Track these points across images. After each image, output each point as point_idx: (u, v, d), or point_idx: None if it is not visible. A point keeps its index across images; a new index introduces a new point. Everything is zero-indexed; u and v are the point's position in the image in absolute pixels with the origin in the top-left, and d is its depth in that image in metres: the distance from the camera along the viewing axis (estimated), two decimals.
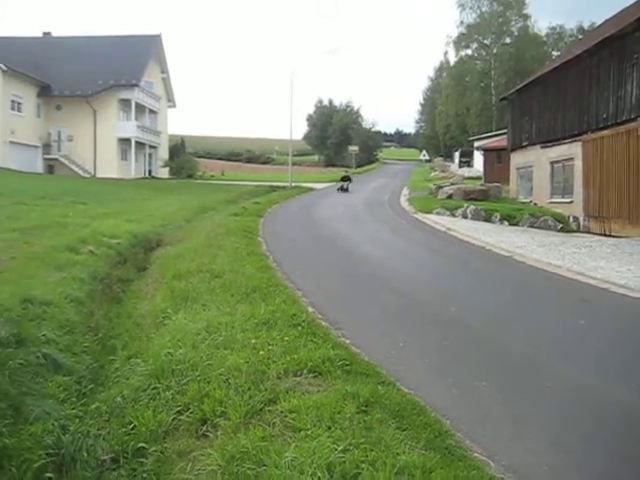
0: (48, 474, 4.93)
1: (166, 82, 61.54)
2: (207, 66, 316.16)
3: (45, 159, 49.47)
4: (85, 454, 5.28)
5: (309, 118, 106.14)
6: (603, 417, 5.79)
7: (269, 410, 5.41)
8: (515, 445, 5.10)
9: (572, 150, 25.89)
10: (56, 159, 49.55)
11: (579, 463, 4.86)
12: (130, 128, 51.12)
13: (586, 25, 68.50)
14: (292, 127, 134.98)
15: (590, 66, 24.27)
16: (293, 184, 46.01)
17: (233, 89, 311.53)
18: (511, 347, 8.03)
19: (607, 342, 8.43)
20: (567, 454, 4.99)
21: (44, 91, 48.92)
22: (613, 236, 21.46)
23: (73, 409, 6.00)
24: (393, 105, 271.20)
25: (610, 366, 7.28)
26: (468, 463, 4.53)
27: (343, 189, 40.50)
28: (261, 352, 6.75)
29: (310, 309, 9.56)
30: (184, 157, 60.51)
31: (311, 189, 43.90)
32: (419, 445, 4.69)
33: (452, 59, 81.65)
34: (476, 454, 4.78)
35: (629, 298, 11.22)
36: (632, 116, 21.06)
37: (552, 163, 28.43)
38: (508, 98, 36.10)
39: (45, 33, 58.31)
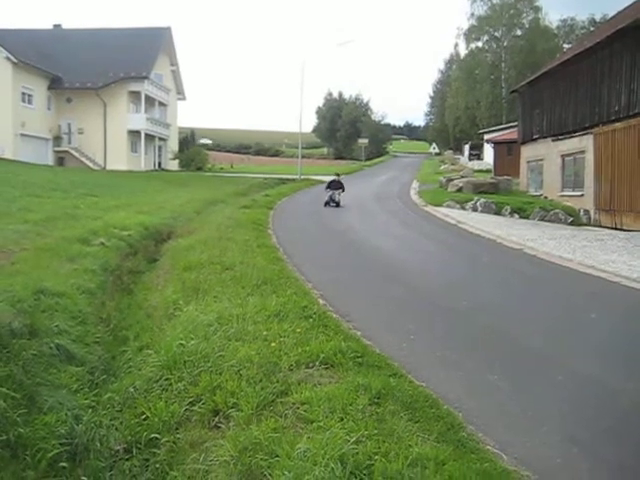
0: (62, 463, 4.97)
1: (176, 74, 61.46)
2: (217, 59, 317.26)
3: (55, 151, 49.51)
4: (98, 444, 5.32)
5: (318, 111, 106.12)
6: (616, 410, 5.77)
7: (281, 402, 5.41)
8: (527, 438, 5.09)
9: (583, 143, 25.77)
10: (66, 151, 49.59)
11: (591, 456, 4.85)
12: (140, 120, 51.10)
13: (598, 17, 68.03)
14: (302, 119, 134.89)
15: (602, 58, 24.12)
16: (302, 177, 45.96)
17: (243, 81, 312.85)
18: (522, 340, 8.01)
19: (619, 336, 8.40)
20: (579, 447, 4.98)
21: (54, 83, 48.96)
22: (624, 230, 21.36)
23: (86, 399, 6.05)
24: (403, 98, 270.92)
25: (622, 360, 7.26)
26: (481, 455, 4.53)
27: (332, 202, 26.37)
28: (272, 344, 6.76)
29: (321, 301, 9.57)
30: (194, 149, 60.48)
31: (320, 182, 43.73)
32: (431, 437, 4.69)
33: (462, 51, 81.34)
34: (488, 446, 4.78)
35: (636, 291, 11.19)
36: None
37: (563, 156, 28.30)
38: (519, 91, 35.96)
39: (55, 25, 58.24)
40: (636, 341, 8.11)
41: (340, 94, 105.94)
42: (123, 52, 49.88)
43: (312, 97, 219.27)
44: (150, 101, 53.48)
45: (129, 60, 49.50)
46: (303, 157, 55.97)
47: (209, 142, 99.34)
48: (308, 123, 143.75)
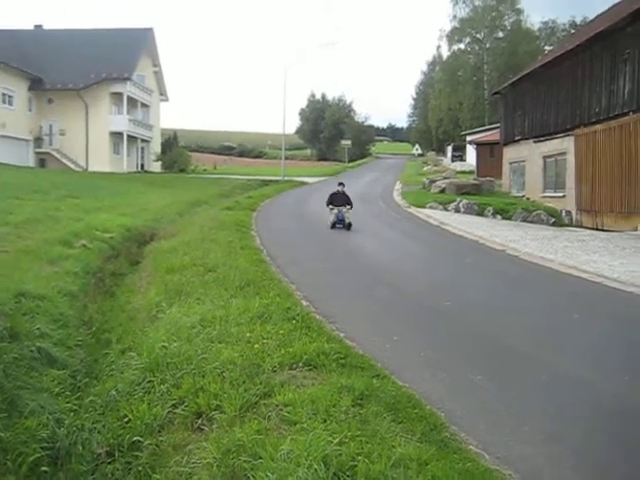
0: (43, 468, 4.93)
1: (158, 76, 61.19)
2: (200, 60, 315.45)
3: (37, 153, 49.11)
4: (80, 448, 5.29)
5: (302, 112, 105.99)
6: (598, 409, 5.81)
7: (264, 403, 5.41)
8: (510, 437, 5.12)
9: (564, 145, 25.96)
10: (48, 153, 49.20)
11: (575, 455, 4.89)
12: (122, 122, 50.80)
13: (579, 20, 68.52)
14: (285, 121, 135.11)
15: (583, 61, 24.33)
16: (285, 178, 45.96)
17: (226, 83, 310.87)
18: (505, 340, 8.05)
19: (601, 336, 8.46)
20: (562, 446, 5.02)
21: (35, 84, 48.57)
22: (605, 230, 21.54)
23: (68, 403, 6.01)
24: (386, 99, 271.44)
25: (604, 359, 7.31)
26: (463, 455, 4.56)
27: (340, 223, 19.88)
28: (256, 346, 6.75)
29: (304, 302, 9.58)
30: (176, 151, 60.20)
31: (303, 183, 43.81)
32: (414, 438, 4.71)
33: (445, 53, 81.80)
34: (471, 446, 4.81)
35: (621, 292, 11.27)
36: (624, 111, 21.13)
37: (545, 157, 28.50)
38: (501, 92, 36.17)
39: (36, 26, 57.78)
40: (618, 341, 8.16)
41: (323, 96, 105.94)
42: (105, 53, 49.55)
43: (295, 98, 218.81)
44: (132, 102, 53.19)
45: (111, 61, 49.18)
46: (286, 158, 55.96)
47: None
48: (291, 124, 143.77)
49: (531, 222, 24.52)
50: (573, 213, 25.02)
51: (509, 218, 25.07)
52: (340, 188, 20.82)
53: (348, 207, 20.07)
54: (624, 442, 5.13)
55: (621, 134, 21.18)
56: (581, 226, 23.73)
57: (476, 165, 47.35)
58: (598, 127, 22.91)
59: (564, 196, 26.02)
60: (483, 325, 8.90)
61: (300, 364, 6.30)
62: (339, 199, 20.34)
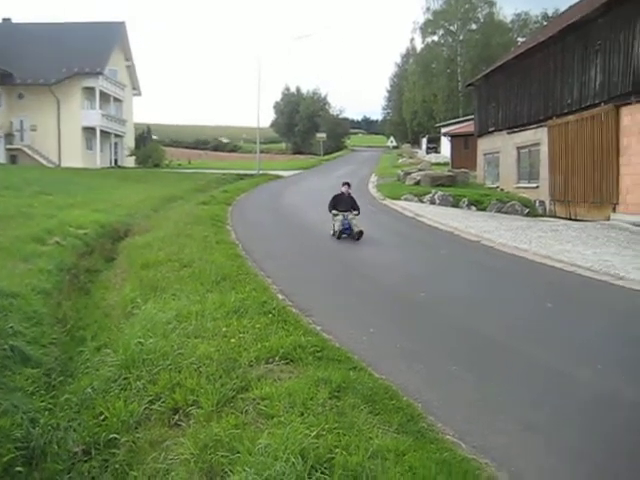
0: (18, 468, 4.88)
1: (131, 70, 60.59)
2: (173, 54, 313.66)
3: (7, 149, 48.43)
4: (56, 447, 5.24)
5: (276, 105, 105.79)
6: (572, 398, 5.87)
7: (241, 398, 5.40)
8: (486, 427, 5.17)
9: (538, 135, 26.15)
10: (19, 149, 48.54)
11: (550, 443, 4.95)
12: (95, 117, 50.24)
13: (550, 12, 69.04)
14: (259, 114, 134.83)
15: (555, 52, 24.49)
16: (261, 172, 45.83)
17: (200, 77, 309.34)
18: (481, 330, 8.11)
19: (574, 325, 8.55)
20: (538, 435, 5.08)
21: (5, 79, 47.86)
22: (579, 220, 21.73)
23: (42, 402, 5.95)
24: (360, 92, 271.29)
25: (578, 348, 7.39)
26: (440, 445, 4.59)
27: (347, 231, 16.19)
28: (232, 340, 6.74)
29: (280, 296, 9.57)
30: (150, 146, 59.71)
31: (279, 177, 43.70)
32: (392, 429, 4.73)
33: (419, 45, 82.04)
34: (448, 436, 4.85)
35: (595, 281, 11.41)
36: (596, 102, 21.30)
37: (518, 149, 28.68)
38: (474, 84, 36.32)
39: (5, 19, 56.83)
40: (592, 330, 8.25)
41: (298, 89, 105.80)
42: (76, 47, 48.94)
43: (270, 92, 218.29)
44: (105, 97, 52.63)
45: (83, 55, 48.59)
46: (261, 152, 55.82)
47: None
48: (266, 118, 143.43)
49: (506, 213, 24.69)
50: (547, 203, 25.22)
51: (484, 209, 25.21)
52: (345, 189, 17.15)
53: (355, 212, 16.44)
54: (599, 429, 5.20)
55: (593, 125, 21.37)
56: (555, 216, 23.92)
57: (451, 157, 47.56)
58: (571, 118, 23.09)
59: (538, 187, 26.22)
60: (459, 315, 8.96)
61: (277, 358, 6.30)
62: (344, 203, 16.68)
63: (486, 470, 4.29)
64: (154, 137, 69.36)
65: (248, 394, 5.45)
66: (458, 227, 18.47)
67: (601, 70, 20.99)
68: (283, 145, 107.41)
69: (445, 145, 54.22)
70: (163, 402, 5.53)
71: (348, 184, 17.61)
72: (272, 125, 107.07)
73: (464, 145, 43.45)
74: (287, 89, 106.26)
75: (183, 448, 4.70)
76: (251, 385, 5.62)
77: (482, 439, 4.86)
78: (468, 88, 43.68)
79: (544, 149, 25.42)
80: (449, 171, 34.25)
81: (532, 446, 4.87)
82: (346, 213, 16.23)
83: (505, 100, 30.13)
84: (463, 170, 33.84)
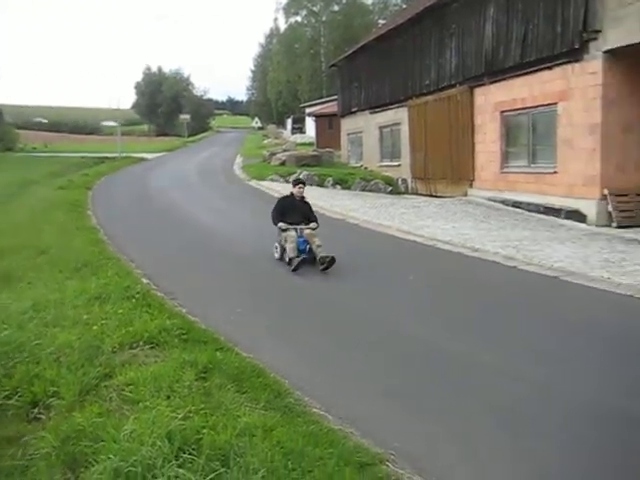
0: None
1: None
2: (28, 33, 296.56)
3: None
4: None
5: (137, 86, 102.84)
6: (429, 364, 6.13)
7: (105, 385, 5.24)
8: (351, 398, 5.32)
9: (399, 115, 26.85)
10: None
11: (410, 405, 5.23)
12: None
13: None
14: (120, 95, 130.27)
15: (413, 35, 25.15)
16: (123, 155, 44.44)
17: (56, 56, 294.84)
18: (345, 304, 8.29)
19: (433, 295, 8.92)
20: (398, 399, 5.33)
21: None
22: (438, 196, 22.59)
23: None
24: (225, 72, 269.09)
25: (435, 316, 7.72)
26: (307, 418, 4.66)
27: (302, 252, 10.79)
28: (94, 327, 6.53)
29: (145, 280, 9.37)
30: (3, 128, 56.39)
31: (143, 159, 42.52)
32: (259, 406, 4.75)
33: (282, 26, 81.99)
34: (315, 409, 4.93)
35: (453, 254, 11.94)
36: (452, 83, 22.13)
37: (380, 128, 29.34)
38: (337, 65, 36.73)
39: None
40: (448, 297, 8.63)
41: (160, 69, 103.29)
42: None
43: (131, 72, 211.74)
44: None
45: None
46: (123, 135, 54.12)
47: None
48: (128, 99, 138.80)
49: (370, 191, 25.28)
50: (409, 181, 26.00)
51: (348, 188, 25.66)
52: (297, 191, 11.71)
53: (313, 225, 11.35)
54: (457, 388, 5.51)
55: (450, 105, 22.19)
56: (416, 193, 24.73)
57: (315, 137, 47.98)
58: (429, 98, 23.86)
59: (400, 165, 26.96)
60: (319, 291, 9.15)
61: (141, 342, 6.18)
62: (296, 211, 11.49)
63: (351, 439, 4.38)
64: (7, 120, 65.59)
65: (112, 381, 5.30)
66: (323, 206, 18.70)
67: (456, 53, 21.82)
68: (146, 127, 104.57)
69: (310, 125, 54.62)
70: (20, 396, 5.23)
71: (302, 183, 11.97)
72: (134, 106, 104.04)
73: (328, 125, 43.94)
74: (148, 69, 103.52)
75: (44, 442, 4.47)
76: (115, 372, 5.47)
77: (348, 409, 4.98)
78: (331, 69, 44.12)
79: (405, 128, 26.14)
80: (314, 151, 34.54)
81: (394, 414, 5.08)
82: (300, 227, 11.16)
83: (367, 81, 30.68)
84: (328, 150, 34.22)
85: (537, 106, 17.53)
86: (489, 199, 19.48)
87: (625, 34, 14.30)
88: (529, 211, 17.34)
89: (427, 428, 4.79)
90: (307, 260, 10.57)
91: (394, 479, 3.86)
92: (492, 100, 19.75)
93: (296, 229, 11.02)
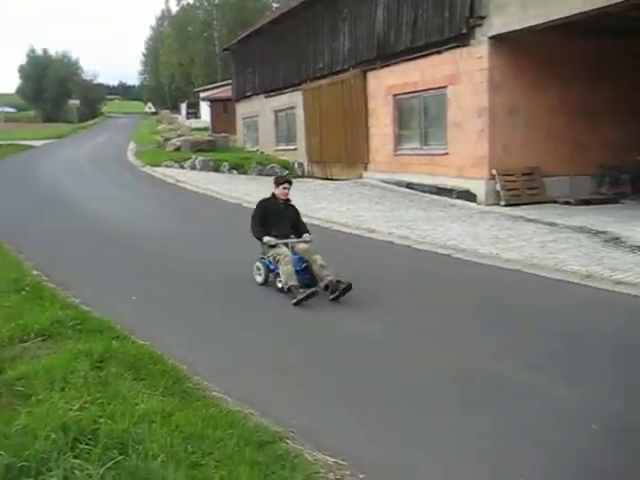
0: None
1: None
2: None
3: None
4: None
5: (21, 70, 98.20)
6: (310, 340, 6.30)
7: None
8: (246, 378, 5.38)
9: (293, 99, 26.90)
10: None
11: (299, 381, 5.40)
12: None
13: None
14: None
15: (307, 19, 25.19)
16: (9, 142, 42.42)
17: None
18: (235, 293, 8.33)
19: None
20: (288, 376, 5.51)
21: None
22: (335, 179, 22.82)
23: None
24: (116, 56, 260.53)
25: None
26: (206, 402, 4.64)
27: (301, 272, 8.02)
28: None
29: (35, 272, 9.00)
30: None
31: (30, 147, 40.75)
32: (157, 392, 4.68)
33: (174, 8, 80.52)
34: (214, 392, 4.91)
35: (349, 235, 12.26)
36: (345, 67, 22.35)
37: (276, 112, 29.32)
38: (231, 49, 36.40)
39: None
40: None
41: (45, 51, 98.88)
42: None
43: (14, 53, 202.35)
44: None
45: None
46: (8, 121, 51.72)
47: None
48: (11, 83, 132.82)
49: (266, 175, 25.11)
50: (305, 165, 26.15)
51: (245, 173, 25.56)
52: (282, 192, 8.82)
53: (307, 237, 8.62)
54: (335, 363, 5.72)
55: (343, 89, 22.41)
56: (313, 177, 24.87)
57: (211, 122, 47.50)
58: (323, 82, 24.01)
59: (296, 149, 27.05)
60: (209, 272, 9.26)
61: (32, 335, 5.94)
62: (282, 219, 8.72)
63: (251, 419, 4.42)
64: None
65: (1, 377, 5.08)
66: (219, 191, 18.63)
67: (349, 37, 22.03)
68: (32, 113, 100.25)
69: (205, 110, 53.99)
70: None
71: (288, 182, 9.02)
72: (18, 91, 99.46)
73: (224, 110, 43.56)
74: (32, 51, 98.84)
75: None
76: (5, 367, 5.24)
77: (247, 390, 5.01)
78: (225, 52, 43.67)
79: (300, 112, 26.23)
80: (209, 136, 34.22)
81: (286, 387, 5.25)
82: (290, 240, 8.47)
83: (262, 64, 30.54)
84: (223, 134, 33.98)
85: (428, 89, 17.97)
86: (384, 181, 19.87)
87: (508, 21, 14.86)
88: (422, 192, 17.81)
89: (323, 405, 4.91)
90: (307, 283, 7.89)
91: (293, 455, 3.91)
92: (384, 84, 20.09)
93: (286, 244, 8.32)
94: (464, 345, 6.14)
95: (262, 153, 30.10)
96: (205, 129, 46.73)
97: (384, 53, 19.84)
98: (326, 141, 23.97)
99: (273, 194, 8.87)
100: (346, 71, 22.31)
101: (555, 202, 15.67)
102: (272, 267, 8.28)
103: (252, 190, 18.80)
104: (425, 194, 17.57)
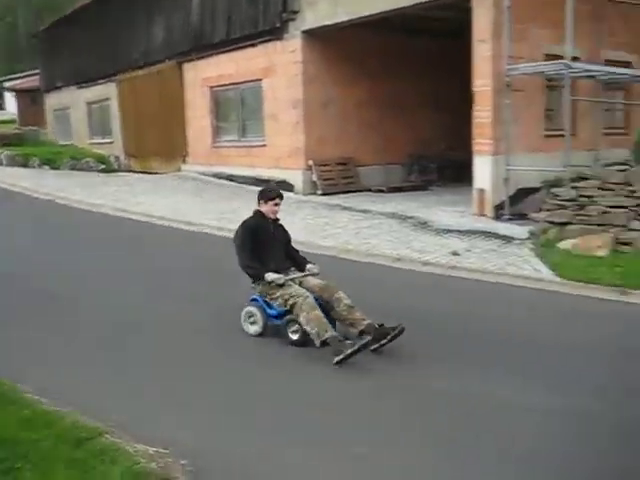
0: None
1: None
2: None
3: None
4: None
5: None
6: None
7: None
8: (67, 379, 5.24)
9: (108, 90, 25.96)
10: None
11: (121, 375, 5.29)
12: None
13: None
14: None
15: (121, 7, 24.28)
16: None
17: None
18: (56, 291, 7.98)
19: (163, 274, 8.91)
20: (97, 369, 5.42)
21: None
22: (153, 173, 22.32)
23: None
24: None
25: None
26: (21, 404, 4.45)
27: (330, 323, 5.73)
28: None
29: None
30: None
31: None
32: None
33: None
34: (29, 395, 4.71)
35: (167, 228, 12.02)
36: (161, 58, 21.92)
37: (89, 104, 28.18)
38: (38, 36, 34.49)
39: None
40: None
41: None
42: None
43: None
44: None
45: None
46: None
47: None
48: None
49: (80, 170, 24.14)
50: (122, 158, 25.35)
51: (57, 168, 24.25)
52: (271, 209, 6.48)
53: (313, 267, 6.44)
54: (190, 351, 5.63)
55: (159, 80, 21.95)
56: (130, 170, 24.16)
57: (18, 114, 44.68)
58: (140, 73, 23.35)
59: (112, 142, 26.14)
60: (30, 276, 8.72)
61: None
62: (274, 245, 6.45)
63: (69, 417, 4.26)
64: None
65: None
66: (29, 187, 17.68)
67: (164, 28, 21.64)
68: None
69: (10, 101, 50.73)
70: None
71: (279, 196, 6.58)
72: None
73: (32, 101, 41.00)
74: None
75: None
76: None
77: (61, 392, 4.83)
78: (32, 40, 41.21)
79: (115, 104, 25.41)
80: (16, 129, 32.28)
81: (94, 383, 5.19)
82: (296, 275, 6.34)
83: (73, 53, 29.09)
84: (32, 128, 32.15)
85: (244, 82, 18.10)
86: (202, 173, 19.77)
87: (320, 16, 15.32)
88: (242, 183, 17.88)
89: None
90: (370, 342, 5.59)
91: (114, 449, 3.81)
92: (201, 75, 19.96)
93: (293, 280, 6.21)
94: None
95: (76, 147, 28.71)
96: (12, 122, 43.83)
97: (200, 44, 19.67)
98: (143, 134, 23.37)
99: (257, 211, 6.52)
100: (162, 62, 21.89)
101: (369, 190, 16.42)
102: (272, 311, 6.11)
103: (65, 185, 18.27)
104: (244, 186, 17.63)
